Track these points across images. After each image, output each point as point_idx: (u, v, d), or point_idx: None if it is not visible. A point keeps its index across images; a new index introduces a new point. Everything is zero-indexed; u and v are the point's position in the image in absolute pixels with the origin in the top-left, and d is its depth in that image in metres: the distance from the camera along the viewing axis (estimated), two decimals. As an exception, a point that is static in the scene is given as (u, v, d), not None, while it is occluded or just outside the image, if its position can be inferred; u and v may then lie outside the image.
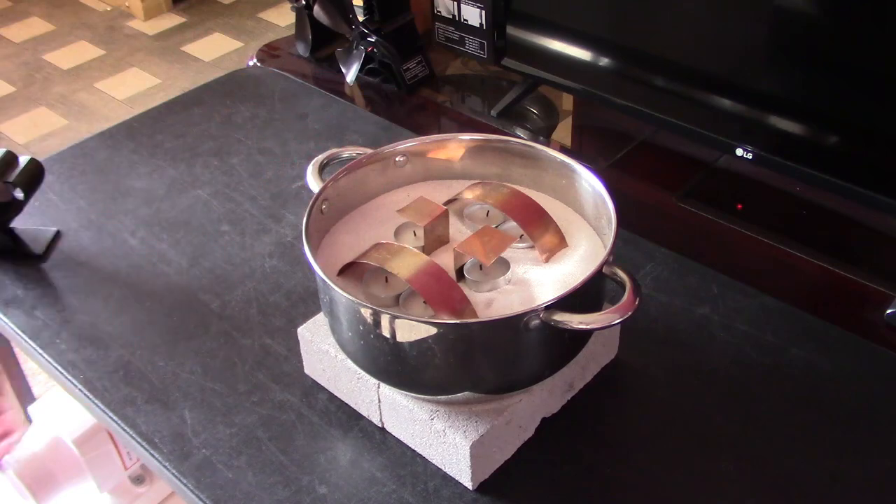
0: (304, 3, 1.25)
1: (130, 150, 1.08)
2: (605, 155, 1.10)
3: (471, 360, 0.63)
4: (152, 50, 2.92)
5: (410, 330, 0.61)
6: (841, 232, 0.95)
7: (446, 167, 0.79)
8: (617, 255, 0.65)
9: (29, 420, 1.16)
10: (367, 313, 0.62)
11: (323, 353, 0.73)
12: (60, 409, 1.05)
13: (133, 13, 3.14)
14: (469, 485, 0.67)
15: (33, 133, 2.54)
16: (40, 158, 0.91)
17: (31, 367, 1.20)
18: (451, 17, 1.14)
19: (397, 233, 0.73)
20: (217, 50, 2.91)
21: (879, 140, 0.84)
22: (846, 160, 0.86)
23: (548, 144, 1.14)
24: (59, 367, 0.79)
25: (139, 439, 0.73)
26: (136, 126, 1.13)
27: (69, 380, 0.78)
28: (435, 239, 0.72)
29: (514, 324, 0.60)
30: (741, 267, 0.87)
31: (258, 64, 1.30)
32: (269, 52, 1.35)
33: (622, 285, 0.61)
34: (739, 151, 0.92)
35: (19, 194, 0.87)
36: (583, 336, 0.68)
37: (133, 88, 2.72)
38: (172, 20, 3.10)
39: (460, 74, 1.31)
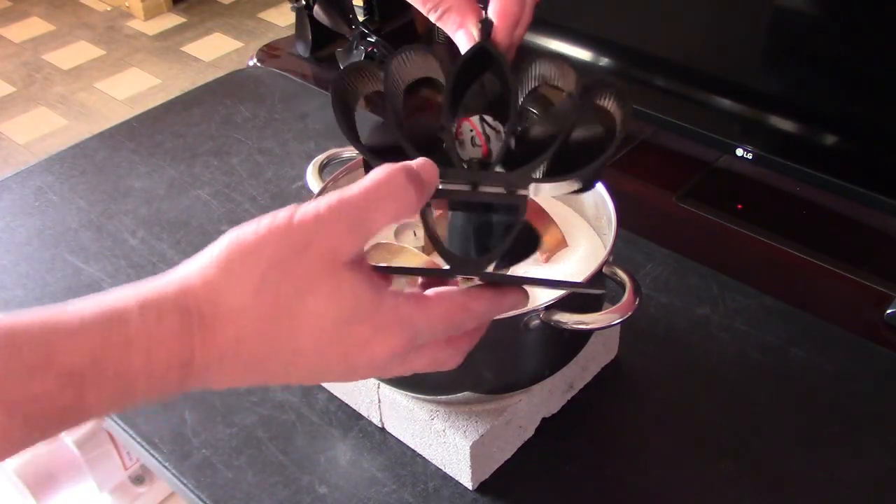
0: (304, 3, 1.25)
1: (130, 150, 1.08)
2: (605, 155, 1.09)
3: (471, 360, 0.62)
4: (152, 50, 2.92)
5: (410, 330, 0.61)
6: (841, 232, 0.95)
7: (446, 167, 0.79)
8: (617, 255, 0.65)
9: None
10: (367, 313, 0.62)
11: (323, 353, 0.72)
12: (60, 409, 1.05)
13: (133, 13, 3.14)
14: (469, 485, 0.67)
15: (33, 133, 2.54)
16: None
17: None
18: (451, 17, 1.14)
19: (397, 233, 0.73)
20: (217, 50, 2.91)
21: (879, 140, 0.84)
22: (846, 160, 0.86)
23: (548, 144, 1.13)
24: (59, 367, 0.79)
25: (139, 439, 0.73)
26: (136, 126, 1.13)
27: (69, 380, 0.78)
28: (435, 239, 0.72)
29: (514, 324, 0.60)
30: (741, 267, 0.87)
31: (258, 64, 1.30)
32: (269, 52, 1.35)
33: (622, 285, 0.61)
34: (739, 151, 0.92)
35: None
36: (583, 336, 0.68)
37: (133, 88, 2.72)
38: (172, 20, 3.10)
39: (460, 74, 1.31)
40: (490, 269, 0.44)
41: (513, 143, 0.47)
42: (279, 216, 0.39)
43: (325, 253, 0.39)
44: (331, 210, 0.39)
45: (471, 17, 0.51)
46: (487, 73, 0.50)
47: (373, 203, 0.40)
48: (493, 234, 0.46)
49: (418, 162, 0.43)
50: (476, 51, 0.50)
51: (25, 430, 0.35)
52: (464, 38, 0.51)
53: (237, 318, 0.38)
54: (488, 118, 0.48)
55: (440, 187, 0.45)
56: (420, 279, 0.46)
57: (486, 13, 0.52)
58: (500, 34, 0.51)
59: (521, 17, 0.51)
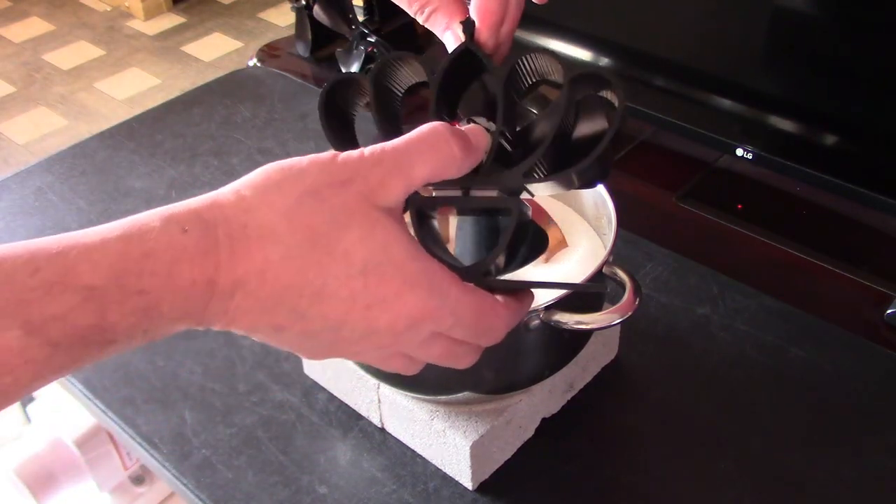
0: (304, 3, 1.25)
1: (130, 150, 1.08)
2: (605, 155, 1.09)
3: (471, 360, 0.63)
4: (152, 50, 2.92)
5: (410, 330, 0.61)
6: (841, 232, 0.95)
7: (446, 167, 0.78)
8: (617, 255, 0.65)
9: (29, 420, 1.16)
10: (367, 313, 0.62)
11: (323, 353, 0.72)
12: (60, 409, 1.05)
13: (133, 13, 3.14)
14: (469, 485, 0.67)
15: (33, 133, 2.54)
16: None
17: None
18: (451, 17, 1.14)
19: (397, 233, 0.73)
20: (217, 50, 2.91)
21: (879, 140, 0.84)
22: (846, 160, 0.86)
23: (548, 144, 1.13)
24: (59, 367, 0.79)
25: (139, 439, 0.73)
26: (136, 126, 1.13)
27: (69, 380, 0.78)
28: (435, 239, 0.72)
29: (514, 324, 0.60)
30: (741, 267, 0.87)
31: (258, 64, 1.30)
32: (269, 52, 1.35)
33: (622, 285, 0.61)
34: (739, 151, 0.92)
35: None
36: (583, 336, 0.68)
37: (133, 88, 2.72)
38: (172, 20, 3.10)
39: (460, 74, 1.31)
40: (484, 275, 0.44)
41: (506, 144, 0.46)
42: (323, 154, 0.39)
43: (364, 191, 0.38)
44: (373, 154, 0.39)
45: (458, 18, 0.51)
46: (485, 74, 0.50)
47: (415, 152, 0.40)
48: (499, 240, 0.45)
49: (467, 126, 0.43)
50: (460, 52, 0.49)
51: (49, 352, 0.33)
52: (451, 39, 0.51)
53: (267, 240, 0.37)
54: (480, 120, 0.47)
55: (434, 194, 0.45)
56: None
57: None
58: (484, 34, 0.50)
59: (506, 15, 0.50)
